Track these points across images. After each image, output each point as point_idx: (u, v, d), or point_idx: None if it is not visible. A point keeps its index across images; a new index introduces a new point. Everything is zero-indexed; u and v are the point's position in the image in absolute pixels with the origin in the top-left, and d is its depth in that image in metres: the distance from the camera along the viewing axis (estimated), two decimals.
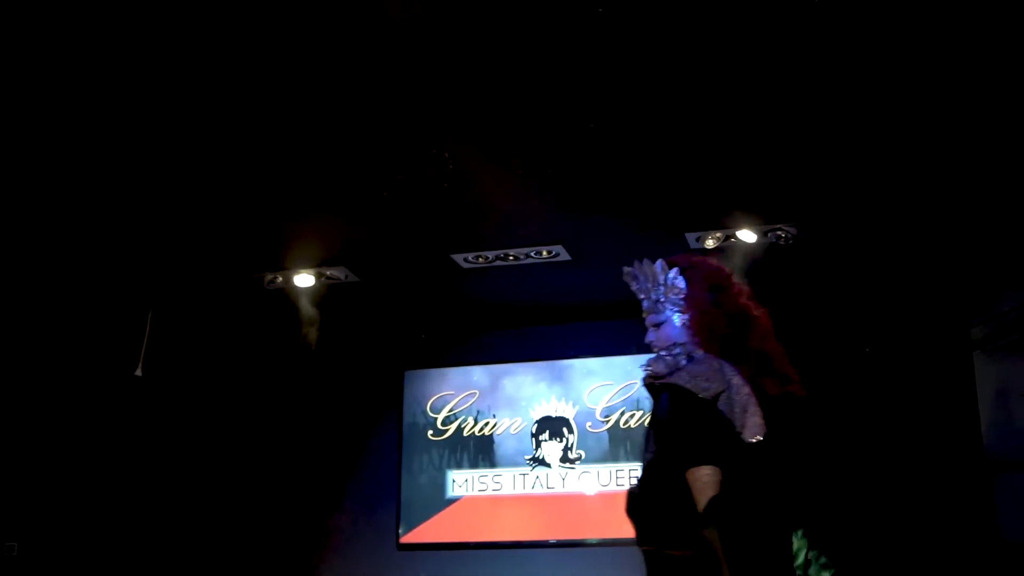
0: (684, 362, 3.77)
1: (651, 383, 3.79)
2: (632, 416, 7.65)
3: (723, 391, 3.69)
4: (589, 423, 7.77)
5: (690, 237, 6.61)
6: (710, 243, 6.62)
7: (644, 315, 3.90)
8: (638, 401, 7.67)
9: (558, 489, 7.70)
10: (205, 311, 7.90)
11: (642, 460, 3.71)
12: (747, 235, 6.51)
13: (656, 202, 6.14)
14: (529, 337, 8.05)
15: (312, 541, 8.10)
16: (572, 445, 7.73)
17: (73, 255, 6.78)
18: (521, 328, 8.03)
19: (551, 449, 7.80)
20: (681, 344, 3.82)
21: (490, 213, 6.35)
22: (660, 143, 5.44)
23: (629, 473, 7.55)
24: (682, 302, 3.83)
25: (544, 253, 6.86)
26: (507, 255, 6.90)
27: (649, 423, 3.76)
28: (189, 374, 8.23)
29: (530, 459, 7.82)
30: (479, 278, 7.25)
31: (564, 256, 6.89)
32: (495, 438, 7.93)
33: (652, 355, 3.84)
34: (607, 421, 7.71)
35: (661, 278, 3.87)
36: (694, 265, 3.89)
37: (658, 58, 4.64)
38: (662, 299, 3.85)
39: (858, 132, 5.29)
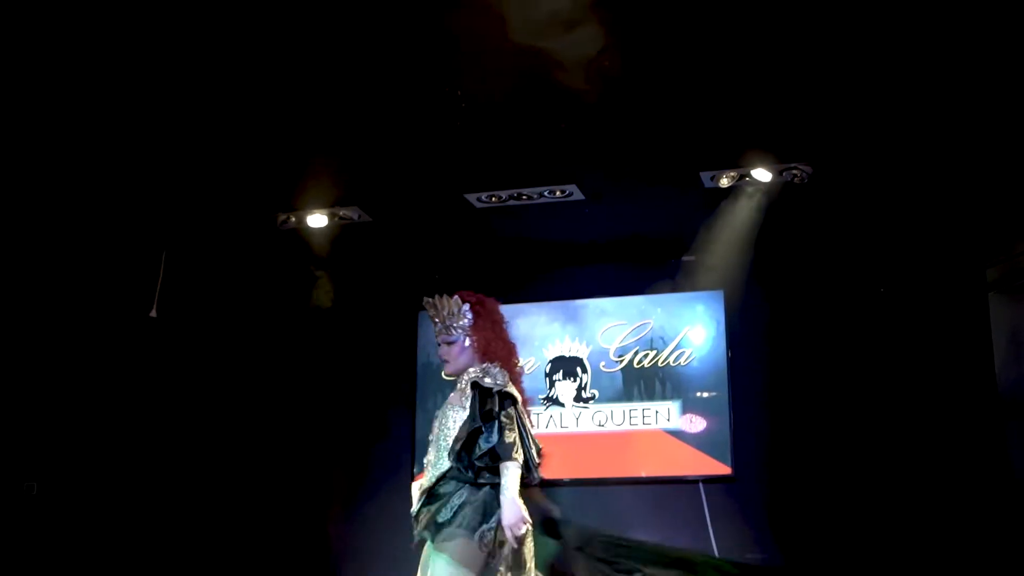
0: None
1: (490, 388, 4.85)
2: (646, 356, 7.65)
3: None
4: (603, 363, 7.76)
5: (704, 176, 6.57)
6: (724, 182, 6.58)
7: (437, 335, 5.03)
8: (651, 341, 7.67)
9: (572, 428, 7.72)
10: (219, 252, 7.92)
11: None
12: (762, 174, 6.48)
13: (670, 141, 6.10)
14: (543, 277, 8.03)
15: (325, 480, 8.15)
16: (586, 384, 7.74)
17: (88, 195, 6.80)
18: (535, 268, 8.01)
19: (565, 389, 7.81)
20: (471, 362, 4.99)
21: (503, 152, 6.32)
22: (674, 81, 5.40)
23: (643, 412, 7.57)
24: (470, 330, 4.96)
25: (558, 192, 6.84)
26: (520, 194, 6.87)
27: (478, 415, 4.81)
28: (203, 314, 8.24)
29: (544, 398, 7.82)
30: (493, 218, 7.23)
31: (578, 195, 6.87)
32: None
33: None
34: (620, 361, 7.71)
35: (455, 309, 4.98)
36: (482, 302, 5.04)
37: None
38: (455, 325, 4.97)
39: (875, 70, 5.23)
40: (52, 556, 7.34)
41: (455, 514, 4.70)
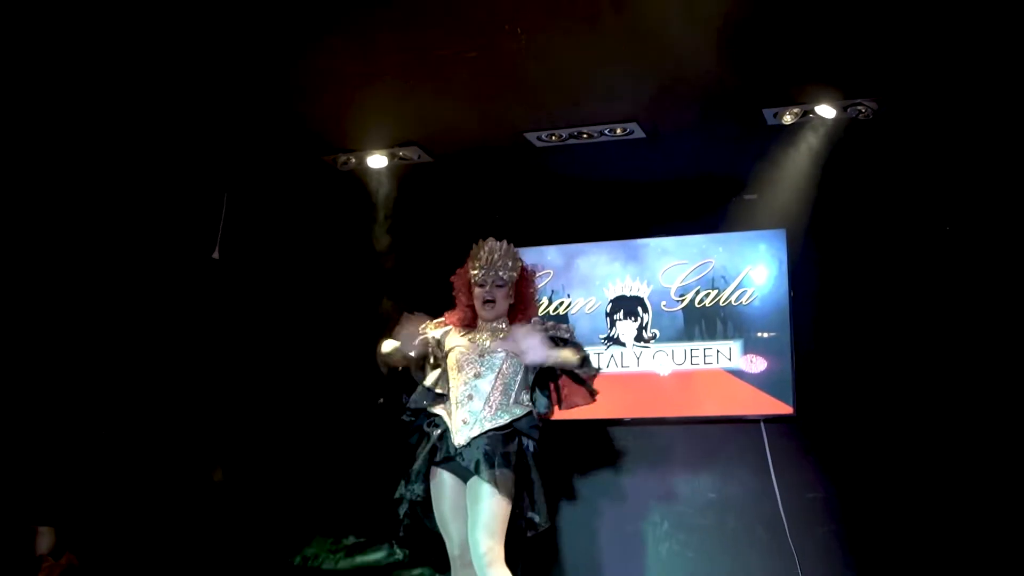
0: None
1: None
2: (707, 295, 7.60)
3: None
4: (664, 302, 7.72)
5: (767, 113, 6.49)
6: (788, 119, 6.50)
7: (483, 277, 5.24)
8: (712, 280, 7.62)
9: (632, 368, 7.71)
10: (279, 194, 7.97)
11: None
12: (826, 110, 6.39)
13: (732, 77, 6.02)
14: (603, 216, 7.99)
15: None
16: (647, 324, 7.72)
17: (147, 140, 6.88)
18: (595, 207, 7.98)
19: (626, 328, 7.79)
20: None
21: (564, 90, 6.29)
22: (736, 15, 5.32)
23: (704, 352, 7.54)
24: (517, 281, 5.26)
25: (618, 131, 6.79)
26: (581, 133, 6.84)
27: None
28: (265, 256, 8.33)
29: (605, 338, 7.82)
30: (553, 156, 7.20)
31: (639, 134, 6.82)
32: (570, 317, 7.93)
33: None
34: (682, 300, 7.67)
35: (511, 256, 5.27)
36: (527, 267, 5.40)
37: None
38: (508, 271, 5.23)
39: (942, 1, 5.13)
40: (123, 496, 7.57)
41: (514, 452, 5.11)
